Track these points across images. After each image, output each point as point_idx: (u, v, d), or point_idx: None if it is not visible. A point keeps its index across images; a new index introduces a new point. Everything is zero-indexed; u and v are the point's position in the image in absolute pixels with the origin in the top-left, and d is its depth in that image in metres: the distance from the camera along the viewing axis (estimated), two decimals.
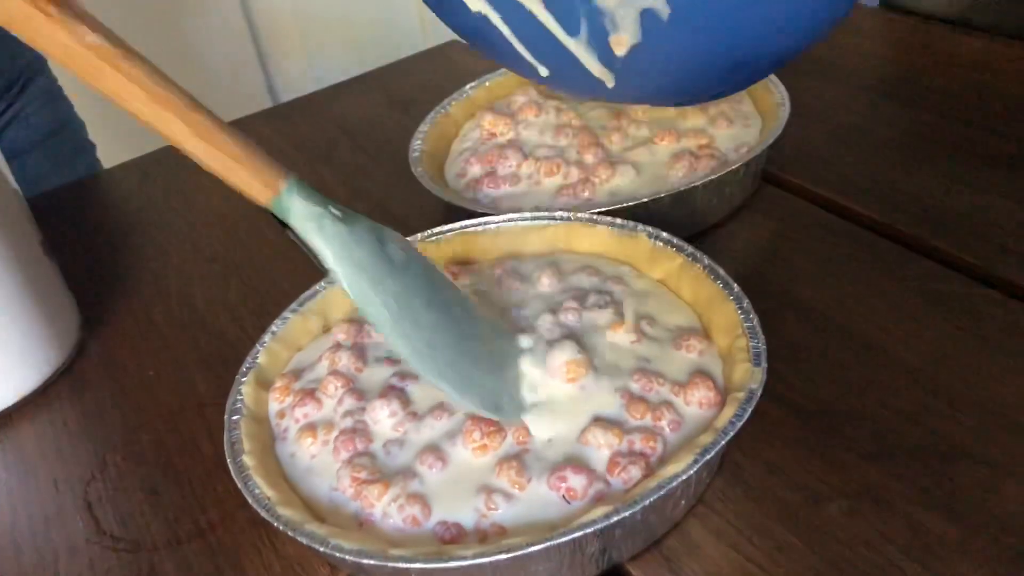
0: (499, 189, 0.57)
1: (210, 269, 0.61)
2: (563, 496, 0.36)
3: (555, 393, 0.40)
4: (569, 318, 0.43)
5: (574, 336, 0.42)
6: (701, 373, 0.40)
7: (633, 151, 0.56)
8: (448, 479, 0.37)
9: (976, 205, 0.53)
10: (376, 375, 0.43)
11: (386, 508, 0.37)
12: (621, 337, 0.42)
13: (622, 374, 0.40)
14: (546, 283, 0.46)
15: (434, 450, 0.38)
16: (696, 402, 0.39)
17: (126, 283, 0.62)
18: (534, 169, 0.57)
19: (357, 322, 0.46)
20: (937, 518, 0.36)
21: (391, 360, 0.43)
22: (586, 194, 0.54)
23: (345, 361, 0.43)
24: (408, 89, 0.81)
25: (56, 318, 0.54)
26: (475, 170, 0.59)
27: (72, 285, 0.57)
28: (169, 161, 0.77)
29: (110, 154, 0.88)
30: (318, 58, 1.55)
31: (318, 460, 0.40)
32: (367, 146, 0.73)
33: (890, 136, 0.62)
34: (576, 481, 0.36)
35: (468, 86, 0.68)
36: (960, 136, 0.60)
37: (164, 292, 0.60)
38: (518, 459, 0.37)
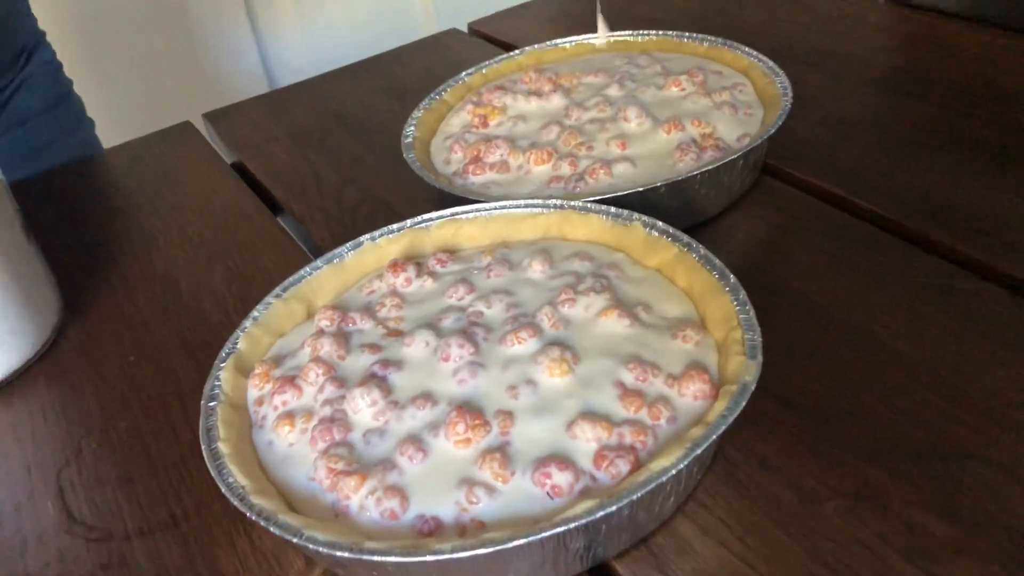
0: (485, 175, 0.55)
1: (196, 254, 0.60)
2: (548, 493, 0.35)
3: (546, 385, 0.38)
4: (564, 309, 0.42)
5: (566, 326, 0.41)
6: (696, 365, 0.39)
7: (633, 146, 0.54)
8: (428, 471, 0.36)
9: (981, 200, 0.51)
10: (359, 362, 0.41)
11: (363, 501, 0.35)
12: (615, 322, 0.41)
13: (616, 363, 0.39)
14: (537, 269, 0.45)
15: (415, 441, 0.37)
16: (691, 395, 0.38)
17: (110, 267, 0.60)
18: (524, 160, 0.55)
19: (341, 308, 0.45)
20: (937, 519, 0.35)
21: (374, 347, 0.42)
22: (579, 189, 0.52)
23: (327, 348, 0.42)
24: (404, 77, 0.80)
25: (35, 301, 0.52)
26: (463, 156, 0.58)
27: (55, 268, 0.56)
28: (159, 145, 0.76)
29: (103, 138, 0.87)
30: (317, 44, 1.54)
31: (296, 449, 0.39)
32: (360, 133, 0.72)
33: (894, 129, 0.60)
34: (561, 478, 0.35)
35: (464, 73, 0.66)
36: (965, 130, 0.58)
37: (148, 277, 0.59)
38: (502, 451, 0.36)
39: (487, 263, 0.46)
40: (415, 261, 0.47)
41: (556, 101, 0.60)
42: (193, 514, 0.41)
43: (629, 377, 0.38)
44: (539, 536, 0.31)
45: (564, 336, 0.40)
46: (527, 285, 0.44)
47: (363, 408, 0.38)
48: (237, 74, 1.48)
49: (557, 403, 0.37)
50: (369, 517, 0.35)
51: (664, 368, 0.39)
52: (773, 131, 0.52)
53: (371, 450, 0.37)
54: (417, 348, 0.41)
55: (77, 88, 0.85)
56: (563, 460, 0.35)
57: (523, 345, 0.40)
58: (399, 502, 0.35)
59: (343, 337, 0.43)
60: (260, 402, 0.41)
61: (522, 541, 0.31)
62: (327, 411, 0.39)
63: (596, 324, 0.41)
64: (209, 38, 1.45)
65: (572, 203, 0.48)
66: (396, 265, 0.47)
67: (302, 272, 0.47)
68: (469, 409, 0.37)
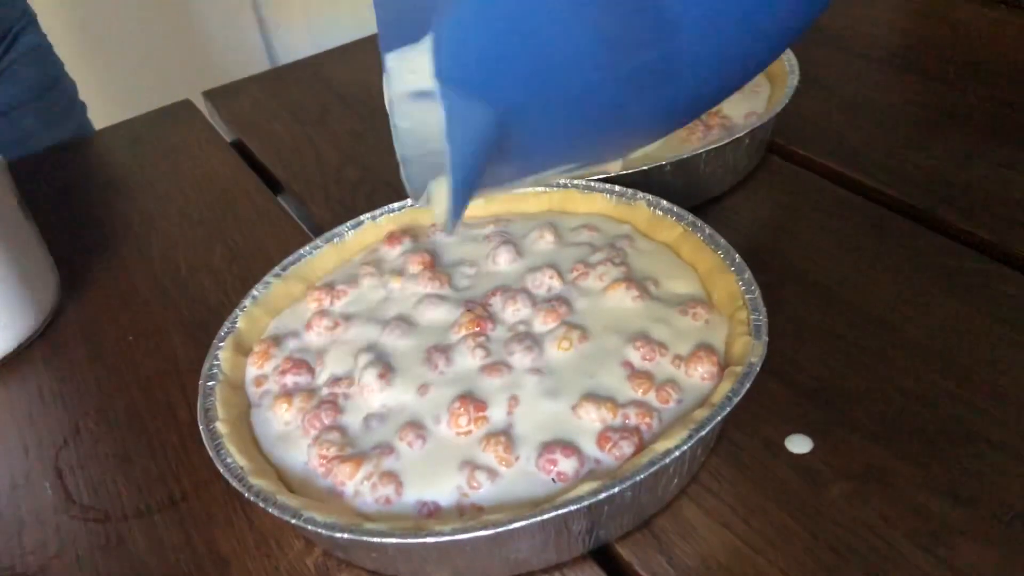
0: None
1: (195, 233, 0.59)
2: (553, 479, 0.34)
3: (551, 359, 0.38)
4: (572, 277, 0.41)
5: (572, 297, 0.40)
6: (705, 346, 0.38)
7: None
8: (428, 454, 0.35)
9: (991, 179, 0.50)
10: (357, 337, 0.41)
11: (358, 487, 0.35)
12: (623, 295, 0.40)
13: (623, 341, 0.38)
14: (550, 239, 0.44)
15: (416, 427, 0.36)
16: (699, 376, 0.37)
17: (108, 246, 0.60)
18: None
19: (328, 287, 0.44)
20: (943, 502, 0.34)
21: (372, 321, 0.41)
22: None
23: (326, 326, 0.41)
24: None
25: (33, 281, 0.52)
26: None
27: (53, 247, 0.55)
28: (158, 123, 0.75)
29: (100, 115, 0.86)
30: (318, 22, 1.52)
31: (291, 430, 0.38)
32: (361, 111, 0.71)
33: (903, 108, 0.59)
34: (567, 464, 0.34)
35: None
36: (975, 109, 0.57)
37: (147, 256, 0.58)
38: (506, 435, 0.35)
39: (487, 234, 0.45)
40: (411, 233, 0.47)
41: None
42: (191, 494, 0.40)
43: (636, 356, 0.38)
44: (541, 518, 0.31)
45: (572, 310, 0.40)
46: (536, 255, 0.44)
47: (375, 390, 0.38)
48: (238, 51, 1.47)
49: (563, 382, 0.37)
50: (364, 502, 0.34)
51: (672, 348, 0.38)
52: (780, 109, 0.51)
53: (370, 434, 0.37)
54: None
55: (72, 68, 0.84)
56: (568, 445, 0.34)
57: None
58: (395, 488, 0.34)
59: (343, 316, 0.42)
60: (258, 382, 0.41)
61: (524, 523, 0.31)
62: (325, 392, 0.38)
63: (605, 297, 0.40)
64: (210, 15, 1.43)
65: (576, 181, 0.47)
66: (392, 237, 0.46)
67: (302, 251, 0.47)
68: (473, 400, 0.36)
